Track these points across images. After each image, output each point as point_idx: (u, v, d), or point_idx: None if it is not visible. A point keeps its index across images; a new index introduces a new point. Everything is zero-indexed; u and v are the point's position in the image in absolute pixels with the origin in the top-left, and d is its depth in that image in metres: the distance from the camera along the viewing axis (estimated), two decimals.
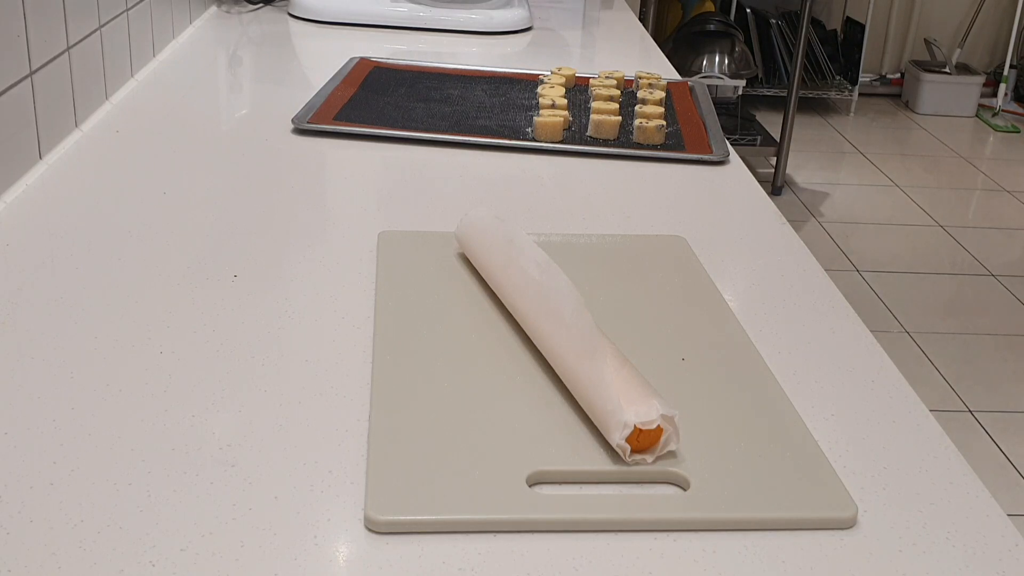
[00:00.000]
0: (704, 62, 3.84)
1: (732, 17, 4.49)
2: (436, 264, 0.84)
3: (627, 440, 0.60)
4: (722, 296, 0.82)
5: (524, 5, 1.77)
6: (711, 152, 1.16)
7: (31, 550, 0.53)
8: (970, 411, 2.44)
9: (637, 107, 1.22)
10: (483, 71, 1.45)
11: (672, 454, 0.61)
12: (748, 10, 4.52)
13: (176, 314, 0.77)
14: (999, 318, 2.90)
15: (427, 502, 0.57)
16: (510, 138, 1.17)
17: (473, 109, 1.27)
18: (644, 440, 0.60)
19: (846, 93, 4.64)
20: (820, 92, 4.55)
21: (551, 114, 1.19)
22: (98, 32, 1.17)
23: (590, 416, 0.63)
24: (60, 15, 1.06)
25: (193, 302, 0.79)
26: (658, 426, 0.60)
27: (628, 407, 0.60)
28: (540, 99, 1.25)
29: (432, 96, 1.32)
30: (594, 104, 1.24)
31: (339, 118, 1.20)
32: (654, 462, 0.60)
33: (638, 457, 0.60)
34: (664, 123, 1.18)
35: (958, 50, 4.96)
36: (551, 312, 0.69)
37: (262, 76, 1.47)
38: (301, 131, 1.16)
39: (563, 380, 0.67)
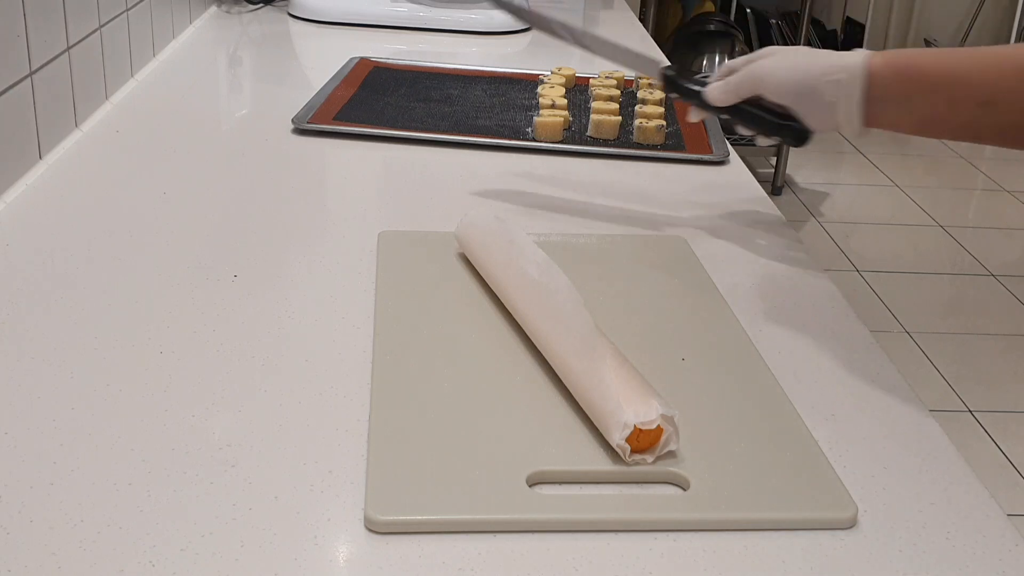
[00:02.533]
0: (704, 62, 3.84)
1: (732, 17, 4.49)
2: (436, 264, 0.84)
3: (627, 440, 0.60)
4: (722, 296, 0.82)
5: (524, 5, 1.77)
6: (711, 152, 1.16)
7: (31, 550, 0.53)
8: (970, 411, 2.44)
9: (637, 107, 1.22)
10: (483, 71, 1.45)
11: (672, 454, 0.61)
12: (748, 10, 4.52)
13: (176, 314, 0.77)
14: (999, 318, 2.90)
15: (427, 502, 0.57)
16: (510, 138, 1.17)
17: (473, 109, 1.27)
18: (644, 440, 0.60)
19: None
20: None
21: (551, 114, 1.19)
22: (98, 32, 1.17)
23: (590, 416, 0.63)
24: (60, 15, 1.06)
25: (193, 302, 0.79)
26: (658, 426, 0.60)
27: (628, 407, 0.60)
28: (540, 99, 1.25)
29: (432, 96, 1.32)
30: (594, 104, 1.24)
31: (339, 118, 1.20)
32: (654, 462, 0.60)
33: (638, 457, 0.60)
34: (664, 123, 1.18)
35: None
36: (551, 312, 0.69)
37: (262, 76, 1.46)
38: (301, 131, 1.16)
39: (563, 380, 0.67)
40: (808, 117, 0.86)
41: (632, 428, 0.59)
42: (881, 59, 0.82)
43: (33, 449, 0.61)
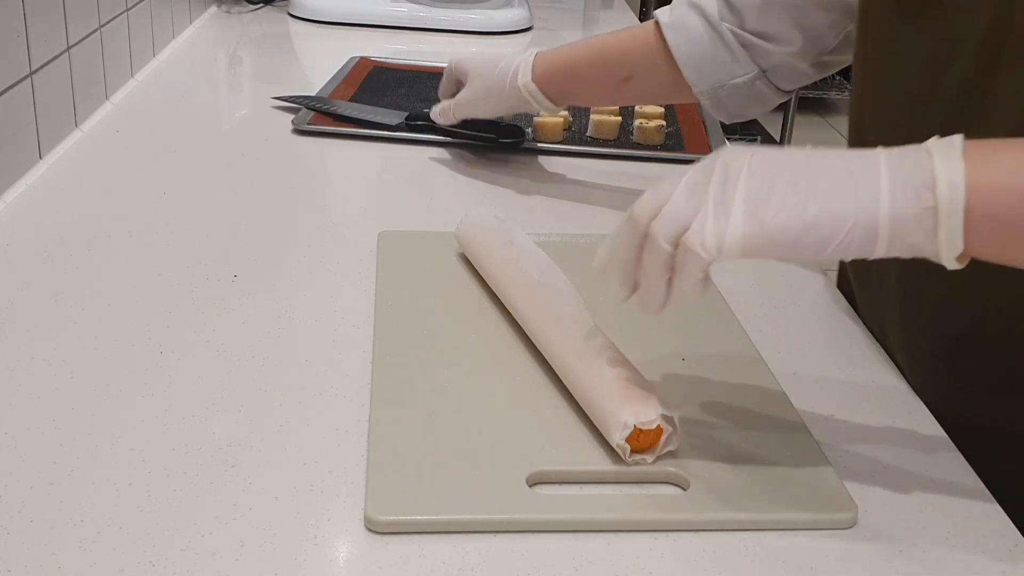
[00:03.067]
0: None
1: None
2: (436, 264, 0.84)
3: (627, 440, 0.60)
4: (722, 296, 0.82)
5: (524, 5, 1.77)
6: (711, 152, 1.16)
7: (31, 550, 0.53)
8: None
9: (637, 107, 1.22)
10: None
11: (672, 454, 0.61)
12: None
13: (176, 314, 0.77)
14: None
15: (427, 502, 0.57)
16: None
17: None
18: (644, 440, 0.60)
19: (846, 93, 4.64)
20: (820, 92, 4.55)
21: (551, 114, 1.19)
22: (98, 32, 1.17)
23: (590, 416, 0.63)
24: (60, 15, 1.06)
25: (193, 302, 0.79)
26: (658, 426, 0.60)
27: (628, 407, 0.60)
28: None
29: (432, 96, 1.32)
30: None
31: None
32: (654, 462, 0.60)
33: (638, 457, 0.60)
34: (664, 123, 1.18)
35: None
36: (550, 313, 0.69)
37: (262, 76, 1.46)
38: (301, 131, 1.16)
39: (563, 380, 0.67)
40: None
41: (632, 428, 0.59)
42: (541, 68, 0.99)
43: (33, 449, 0.61)
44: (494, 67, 1.02)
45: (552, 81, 0.99)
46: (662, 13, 0.94)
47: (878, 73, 0.77)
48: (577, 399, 0.65)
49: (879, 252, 0.53)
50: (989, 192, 0.52)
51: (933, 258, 0.53)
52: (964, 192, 0.51)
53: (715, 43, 0.91)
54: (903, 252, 0.53)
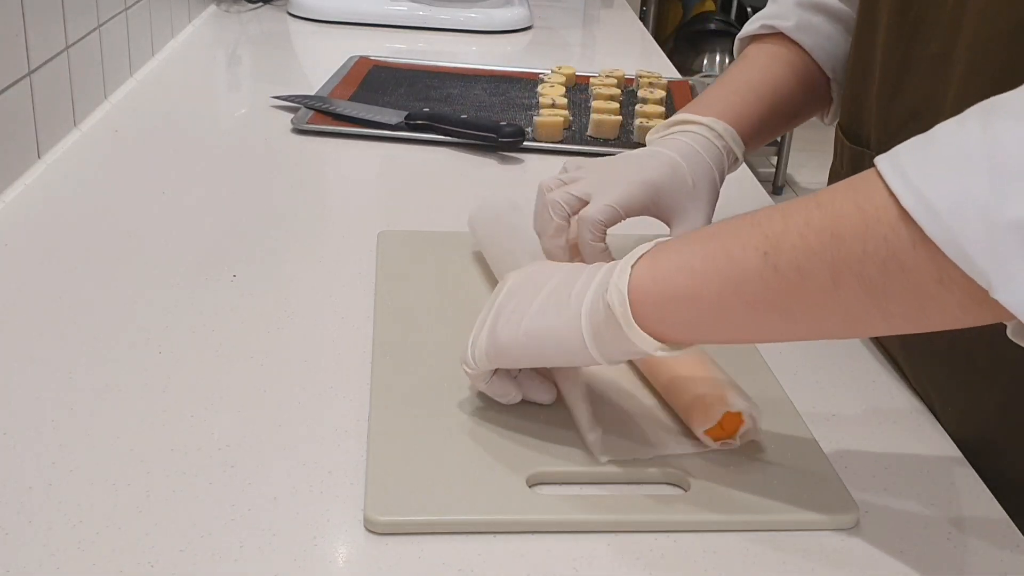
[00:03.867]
0: (705, 61, 3.84)
1: (732, 16, 4.49)
2: (436, 264, 0.84)
3: (720, 420, 0.61)
4: None
5: (524, 4, 1.77)
6: None
7: (31, 550, 0.53)
8: None
9: (637, 107, 1.22)
10: (483, 70, 1.45)
11: (672, 455, 0.61)
12: (748, 9, 4.52)
13: (176, 314, 0.77)
14: None
15: (427, 503, 0.57)
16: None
17: (473, 109, 1.27)
18: (724, 427, 0.61)
19: None
20: None
21: (551, 113, 1.19)
22: (97, 31, 1.17)
23: (670, 394, 0.64)
24: (59, 14, 1.06)
25: (193, 302, 0.79)
26: (740, 415, 0.61)
27: (728, 392, 0.62)
28: (540, 98, 1.24)
29: (432, 95, 1.32)
30: (594, 103, 1.24)
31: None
32: (720, 445, 0.62)
33: (707, 439, 0.62)
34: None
35: None
36: None
37: (262, 76, 1.46)
38: (301, 131, 1.16)
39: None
40: None
41: (725, 412, 0.61)
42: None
43: (32, 449, 0.61)
44: (705, 171, 0.82)
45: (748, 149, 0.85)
46: (770, 19, 0.88)
47: (867, 43, 0.77)
48: (657, 376, 0.66)
49: (597, 359, 0.57)
50: (661, 277, 0.55)
51: (643, 356, 0.56)
52: (627, 293, 0.55)
53: (848, 37, 0.85)
54: (620, 356, 0.58)
